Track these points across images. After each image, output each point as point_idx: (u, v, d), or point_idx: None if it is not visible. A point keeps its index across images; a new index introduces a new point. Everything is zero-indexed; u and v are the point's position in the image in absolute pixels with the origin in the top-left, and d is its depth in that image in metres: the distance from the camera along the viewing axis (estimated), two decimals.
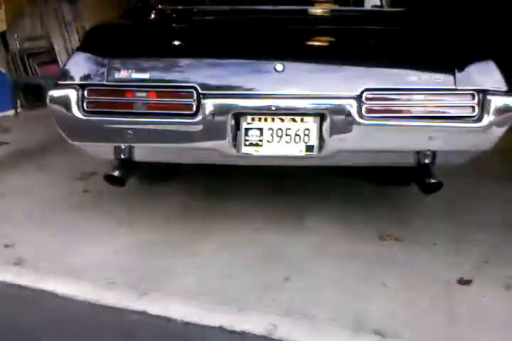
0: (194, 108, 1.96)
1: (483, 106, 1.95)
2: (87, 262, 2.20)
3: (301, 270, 2.16)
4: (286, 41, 2.08)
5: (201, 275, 2.11)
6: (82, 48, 2.06)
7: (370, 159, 2.18)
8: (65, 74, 2.01)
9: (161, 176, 3.13)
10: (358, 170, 2.90)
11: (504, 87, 1.98)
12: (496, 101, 1.94)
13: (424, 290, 2.01)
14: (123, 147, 2.11)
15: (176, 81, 1.98)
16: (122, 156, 2.12)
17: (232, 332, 1.77)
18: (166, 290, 1.99)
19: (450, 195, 2.86)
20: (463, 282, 2.07)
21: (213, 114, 1.94)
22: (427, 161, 2.11)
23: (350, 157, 2.13)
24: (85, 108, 1.98)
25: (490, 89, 1.96)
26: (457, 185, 2.93)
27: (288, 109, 1.98)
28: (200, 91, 1.94)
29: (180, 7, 2.68)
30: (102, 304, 1.92)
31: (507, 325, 1.82)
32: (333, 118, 1.95)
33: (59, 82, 1.99)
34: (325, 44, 2.10)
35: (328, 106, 1.95)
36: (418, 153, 2.10)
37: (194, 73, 1.99)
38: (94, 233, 2.48)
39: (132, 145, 2.08)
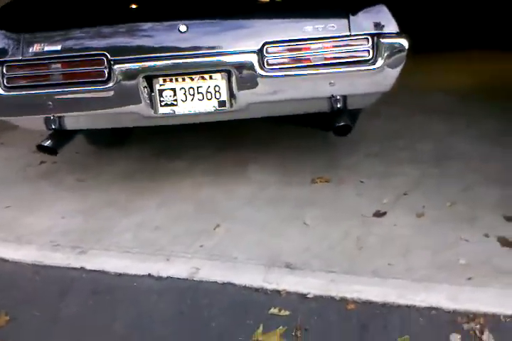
0: (106, 74, 2.05)
1: (377, 49, 2.02)
2: (35, 229, 2.37)
3: (232, 217, 2.32)
4: (186, 2, 2.14)
5: (138, 230, 2.28)
6: None
7: (284, 109, 2.28)
8: None
9: (114, 141, 3.26)
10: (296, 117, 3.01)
11: (395, 29, 2.04)
12: (388, 44, 2.02)
13: (341, 226, 2.17)
14: (51, 118, 2.22)
15: (86, 49, 2.06)
16: (53, 126, 2.24)
17: (159, 278, 1.95)
18: (103, 247, 2.17)
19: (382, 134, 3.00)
20: (378, 214, 2.23)
21: (125, 78, 2.04)
22: (339, 106, 2.21)
23: (265, 108, 2.23)
24: (5, 84, 2.09)
25: (382, 32, 2.02)
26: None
27: (195, 67, 2.07)
28: (109, 57, 2.03)
29: None
30: (46, 264, 2.10)
31: (411, 248, 1.99)
32: (239, 73, 2.05)
33: None
34: (224, 2, 2.15)
35: (232, 61, 2.04)
36: (330, 99, 2.20)
37: (102, 40, 2.07)
38: (46, 202, 2.64)
39: (59, 115, 2.20)
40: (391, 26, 2.04)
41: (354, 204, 2.33)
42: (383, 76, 2.08)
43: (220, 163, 2.91)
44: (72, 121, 2.25)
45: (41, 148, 2.25)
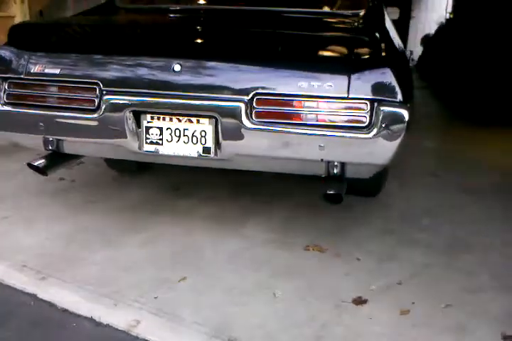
0: (96, 103, 2.04)
1: (374, 117, 1.83)
2: (17, 245, 2.36)
3: (204, 272, 2.17)
4: (185, 42, 2.10)
5: (106, 266, 2.19)
6: (7, 44, 2.21)
7: (274, 166, 2.14)
8: None
9: (135, 167, 3.26)
10: None
11: (398, 98, 1.84)
12: (388, 112, 1.82)
13: (311, 306, 1.95)
14: (50, 139, 2.25)
15: (82, 76, 2.07)
16: (50, 147, 2.27)
17: (99, 324, 1.84)
18: (64, 278, 2.09)
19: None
20: (358, 301, 1.98)
21: (114, 109, 2.02)
22: (335, 172, 2.04)
23: (252, 162, 2.11)
24: (5, 100, 2.14)
25: (383, 99, 1.84)
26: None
27: (183, 108, 2.00)
28: (102, 87, 2.02)
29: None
30: (5, 284, 2.08)
31: None
32: (225, 121, 1.95)
33: None
34: (222, 47, 2.07)
35: (220, 108, 1.95)
36: (327, 163, 2.04)
37: (98, 70, 2.07)
38: (44, 219, 2.65)
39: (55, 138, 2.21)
40: (394, 93, 1.85)
41: (337, 285, 2.09)
42: (378, 147, 1.88)
43: (225, 209, 2.79)
44: (70, 145, 2.26)
45: (31, 167, 2.26)
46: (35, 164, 2.25)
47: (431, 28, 8.72)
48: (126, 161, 3.05)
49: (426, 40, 8.71)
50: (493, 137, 4.53)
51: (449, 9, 9.04)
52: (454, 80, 6.03)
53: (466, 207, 2.93)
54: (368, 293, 2.03)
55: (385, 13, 2.78)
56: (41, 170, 2.28)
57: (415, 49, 9.25)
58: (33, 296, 1.99)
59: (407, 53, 8.68)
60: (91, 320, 1.86)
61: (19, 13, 4.16)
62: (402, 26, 8.07)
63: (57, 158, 2.33)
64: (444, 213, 2.83)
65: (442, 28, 8.03)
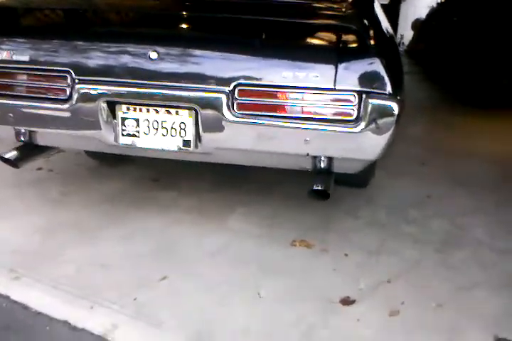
0: (68, 93, 1.91)
1: (362, 109, 1.73)
2: None
3: (186, 270, 2.07)
4: (163, 28, 1.96)
5: (83, 264, 2.09)
6: None
7: (258, 160, 2.03)
8: None
9: (115, 157, 3.13)
10: None
11: (388, 90, 1.73)
12: (377, 105, 1.72)
13: (297, 307, 1.87)
14: (22, 130, 2.11)
15: (52, 64, 1.93)
16: (22, 139, 2.14)
17: (74, 329, 1.75)
18: (38, 277, 1.99)
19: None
20: (346, 302, 1.91)
21: (87, 99, 1.89)
22: (322, 166, 1.94)
23: (235, 156, 2.00)
24: None
25: (372, 91, 1.73)
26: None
27: (161, 100, 1.87)
28: (74, 76, 1.89)
29: None
30: None
31: None
32: (206, 113, 1.83)
33: None
34: (203, 34, 1.94)
35: (200, 99, 1.82)
36: (315, 157, 1.93)
37: (69, 57, 1.92)
38: (17, 211, 2.53)
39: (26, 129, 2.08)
40: (383, 85, 1.73)
41: (324, 283, 2.01)
42: (366, 142, 1.78)
43: (209, 200, 2.68)
44: (42, 136, 2.13)
45: (1, 160, 2.13)
46: (6, 157, 2.12)
47: (421, 12, 8.56)
48: None
49: (417, 23, 8.56)
50: (491, 121, 4.44)
51: None
52: (447, 63, 5.93)
53: (452, 199, 2.86)
54: (357, 292, 1.96)
55: None
56: (13, 163, 2.15)
57: (405, 33, 9.10)
58: (7, 298, 1.89)
59: (398, 37, 8.54)
60: (66, 323, 1.76)
61: None
62: (393, 10, 7.92)
63: (29, 150, 2.20)
64: (432, 205, 2.76)
65: (434, 12, 7.89)
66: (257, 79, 1.79)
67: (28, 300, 1.87)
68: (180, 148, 1.94)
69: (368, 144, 1.79)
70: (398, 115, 1.74)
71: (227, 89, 1.79)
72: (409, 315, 1.84)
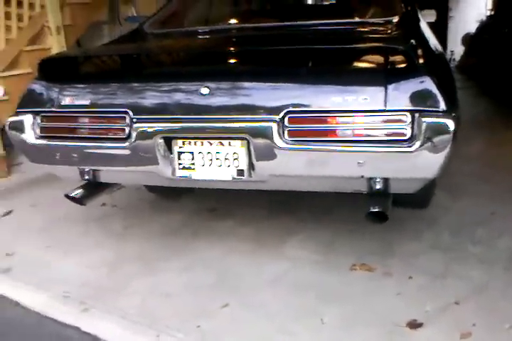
0: (127, 132, 2.01)
1: (417, 128, 1.70)
2: (59, 275, 2.35)
3: (246, 298, 2.08)
4: (211, 64, 2.04)
5: (147, 295, 2.15)
6: (36, 78, 2.23)
7: (312, 185, 2.04)
8: (23, 102, 2.19)
9: (173, 191, 3.23)
10: None
11: (441, 107, 1.70)
12: (431, 124, 1.69)
13: (362, 332, 1.82)
14: (86, 169, 2.24)
15: (111, 106, 2.05)
16: (86, 177, 2.26)
17: None
18: (106, 309, 2.06)
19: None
20: (413, 325, 1.84)
21: (145, 137, 1.98)
22: (378, 188, 1.92)
23: (289, 182, 2.01)
24: (39, 133, 2.14)
25: (425, 109, 1.70)
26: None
27: (214, 132, 1.94)
28: (132, 115, 1.99)
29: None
30: (48, 316, 2.06)
31: None
32: (257, 142, 1.87)
33: (17, 110, 2.18)
34: (250, 67, 2.00)
35: (251, 129, 1.87)
36: (370, 179, 1.92)
37: (127, 98, 2.04)
38: (84, 246, 2.65)
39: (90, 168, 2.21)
40: (436, 103, 1.70)
41: (389, 306, 1.96)
42: (422, 161, 1.75)
43: (266, 228, 2.70)
44: (105, 174, 2.25)
45: (68, 198, 2.26)
46: (72, 195, 2.25)
47: (470, 27, 8.41)
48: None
49: (467, 38, 8.41)
50: None
51: (489, 6, 8.72)
52: (501, 76, 5.76)
53: None
54: (424, 314, 1.89)
55: (420, 17, 2.65)
56: (78, 201, 2.28)
57: (456, 49, 8.95)
58: (77, 330, 1.96)
59: (448, 54, 8.40)
60: None
61: (56, 45, 4.21)
62: (441, 27, 7.84)
63: (93, 188, 2.32)
64: (500, 224, 2.64)
65: (484, 25, 7.75)
66: (306, 105, 1.82)
67: (98, 331, 1.93)
68: (235, 178, 1.98)
69: (424, 163, 1.76)
70: (454, 132, 1.70)
71: (277, 117, 1.83)
72: (481, 337, 1.75)
